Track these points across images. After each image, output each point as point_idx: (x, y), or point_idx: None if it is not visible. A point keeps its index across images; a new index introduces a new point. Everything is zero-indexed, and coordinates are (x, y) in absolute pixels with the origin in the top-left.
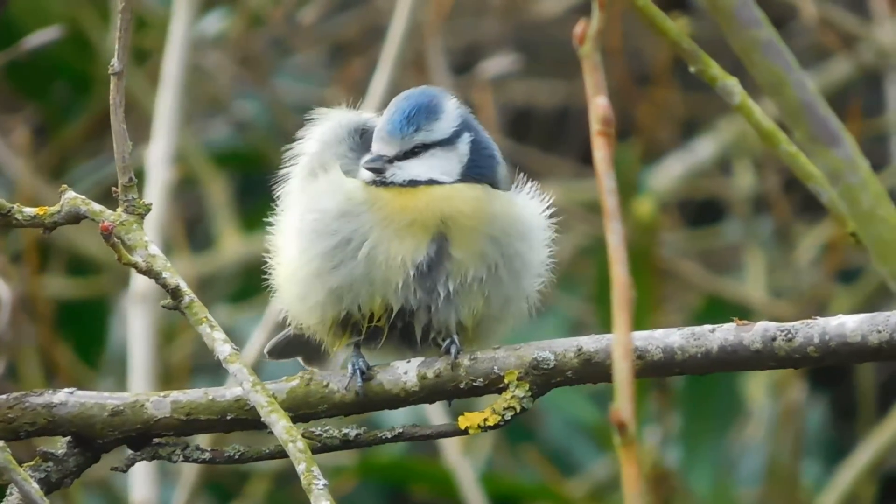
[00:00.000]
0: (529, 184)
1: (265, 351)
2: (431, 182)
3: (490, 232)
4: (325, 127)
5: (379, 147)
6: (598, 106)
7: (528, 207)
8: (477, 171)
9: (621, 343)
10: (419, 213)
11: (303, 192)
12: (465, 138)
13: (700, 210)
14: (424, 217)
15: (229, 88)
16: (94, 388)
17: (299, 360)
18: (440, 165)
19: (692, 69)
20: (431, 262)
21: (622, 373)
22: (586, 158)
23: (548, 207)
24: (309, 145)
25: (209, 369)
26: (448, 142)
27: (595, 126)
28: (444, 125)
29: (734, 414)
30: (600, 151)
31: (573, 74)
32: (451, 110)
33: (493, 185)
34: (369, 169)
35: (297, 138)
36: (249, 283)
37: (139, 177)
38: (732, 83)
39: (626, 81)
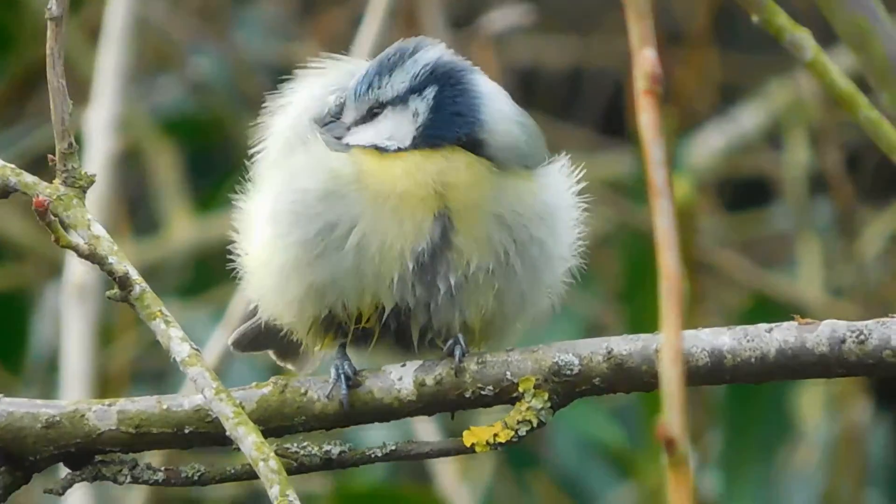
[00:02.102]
0: (556, 158)
1: (230, 342)
2: (378, 149)
3: (496, 211)
4: (311, 89)
5: (345, 113)
6: (645, 59)
7: (550, 185)
8: (433, 132)
9: (671, 344)
10: (411, 178)
11: (279, 169)
12: (427, 94)
13: (744, 191)
14: (417, 184)
15: (181, 43)
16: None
17: (271, 353)
18: (389, 129)
19: (755, 19)
20: (434, 250)
21: (672, 380)
22: (604, 127)
23: (576, 183)
24: (289, 112)
25: (151, 377)
26: (400, 100)
27: (641, 83)
28: (398, 80)
29: (784, 435)
30: (647, 114)
31: (588, 29)
32: (418, 62)
33: (472, 149)
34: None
35: (275, 103)
36: (203, 274)
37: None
38: (803, 36)
39: (657, 40)
